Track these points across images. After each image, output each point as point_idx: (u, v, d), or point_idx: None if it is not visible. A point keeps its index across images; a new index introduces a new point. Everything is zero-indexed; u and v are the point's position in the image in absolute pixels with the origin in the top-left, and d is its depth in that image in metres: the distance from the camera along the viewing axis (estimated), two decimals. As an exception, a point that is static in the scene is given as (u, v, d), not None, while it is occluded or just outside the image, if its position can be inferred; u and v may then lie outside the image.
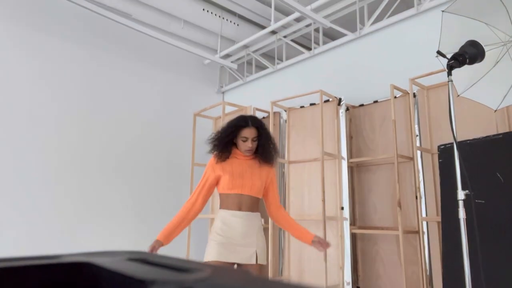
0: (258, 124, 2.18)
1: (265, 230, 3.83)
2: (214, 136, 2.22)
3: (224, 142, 2.15)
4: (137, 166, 4.36)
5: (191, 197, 2.20)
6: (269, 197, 2.27)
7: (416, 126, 3.12)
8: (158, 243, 2.06)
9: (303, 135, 3.74)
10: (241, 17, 4.81)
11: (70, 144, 3.89)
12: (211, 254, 2.07)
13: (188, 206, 2.17)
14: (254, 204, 2.18)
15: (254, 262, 2.05)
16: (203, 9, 4.43)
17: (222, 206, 2.19)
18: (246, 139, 2.15)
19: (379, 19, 3.83)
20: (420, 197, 2.93)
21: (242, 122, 2.16)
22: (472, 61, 1.85)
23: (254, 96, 4.98)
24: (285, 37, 4.84)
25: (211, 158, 2.24)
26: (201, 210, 2.20)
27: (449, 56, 1.87)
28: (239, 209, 2.13)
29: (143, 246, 4.16)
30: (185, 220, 2.16)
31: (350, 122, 3.64)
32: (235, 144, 2.20)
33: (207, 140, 2.25)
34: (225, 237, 2.08)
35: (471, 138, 2.49)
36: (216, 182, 2.21)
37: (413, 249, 3.02)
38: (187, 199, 2.25)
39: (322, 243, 2.10)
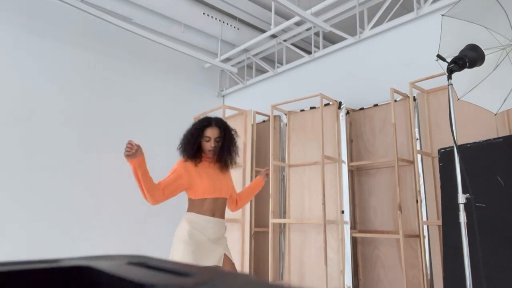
0: (221, 125, 2.18)
1: (265, 233, 3.83)
2: (182, 141, 2.19)
3: (192, 144, 2.12)
4: (137, 169, 4.35)
5: (159, 184, 2.05)
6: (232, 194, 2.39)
7: (416, 129, 3.12)
8: (140, 152, 1.96)
9: (303, 138, 3.74)
10: (241, 21, 4.82)
11: (69, 146, 3.89)
12: (180, 259, 2.01)
13: (158, 188, 2.04)
14: (224, 207, 2.22)
15: (221, 264, 2.07)
16: (204, 13, 4.44)
17: (192, 210, 2.11)
18: (209, 138, 2.14)
19: (379, 23, 3.84)
20: (421, 201, 2.93)
21: (205, 121, 2.17)
22: (472, 65, 1.85)
23: (254, 100, 4.99)
24: (285, 41, 4.85)
25: (181, 158, 2.17)
26: (160, 202, 2.07)
27: (449, 59, 1.87)
28: (213, 215, 2.10)
29: (143, 250, 4.16)
30: (154, 189, 2.04)
31: (350, 125, 3.64)
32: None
33: (177, 146, 2.20)
34: (195, 243, 2.03)
35: (471, 141, 2.48)
36: (187, 186, 2.12)
37: (413, 253, 3.01)
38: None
39: (265, 171, 2.53)
